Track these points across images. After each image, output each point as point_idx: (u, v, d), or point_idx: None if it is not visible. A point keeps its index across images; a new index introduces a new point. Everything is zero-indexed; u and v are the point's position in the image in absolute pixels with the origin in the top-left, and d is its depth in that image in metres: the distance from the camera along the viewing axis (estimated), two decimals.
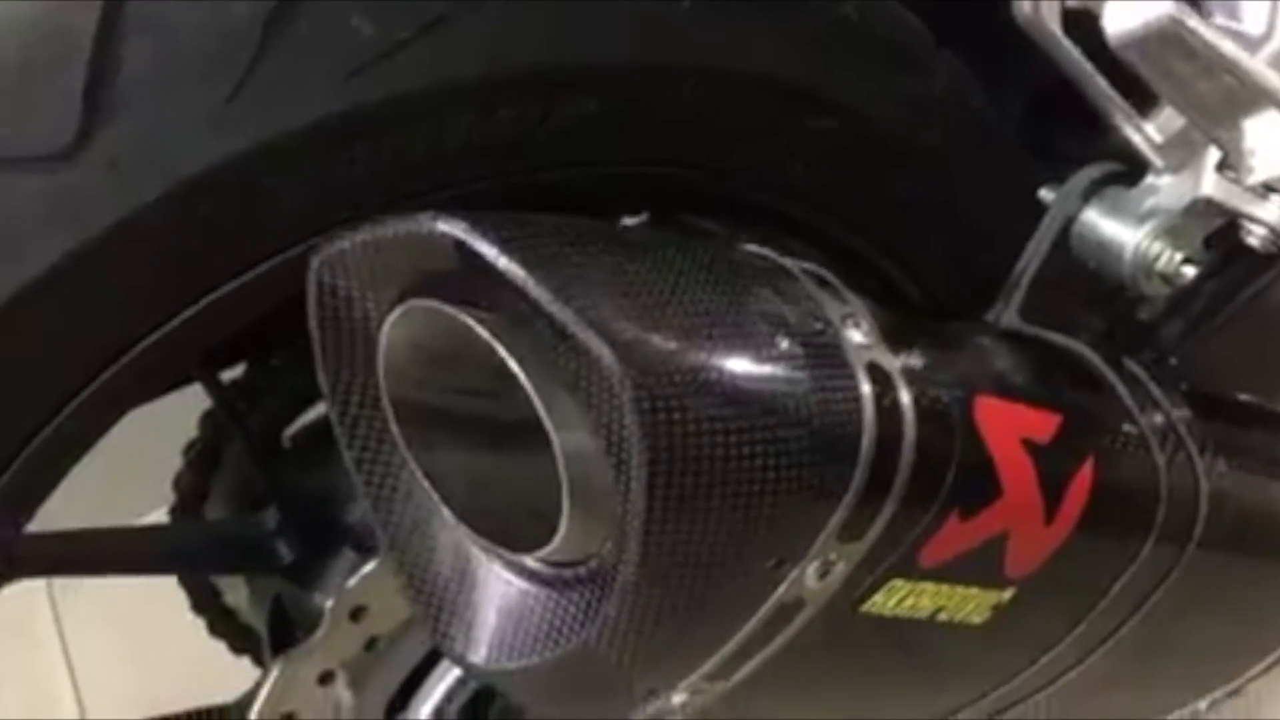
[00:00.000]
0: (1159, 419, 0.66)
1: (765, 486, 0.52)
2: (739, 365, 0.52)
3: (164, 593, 0.95)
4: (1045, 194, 0.72)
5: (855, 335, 0.55)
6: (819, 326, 0.54)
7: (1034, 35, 0.62)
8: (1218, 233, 0.68)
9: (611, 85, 0.71)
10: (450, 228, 0.52)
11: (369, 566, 0.79)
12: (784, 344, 0.53)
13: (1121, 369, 0.67)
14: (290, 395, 0.88)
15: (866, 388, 0.54)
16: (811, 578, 0.55)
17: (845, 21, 0.79)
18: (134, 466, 0.93)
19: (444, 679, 0.85)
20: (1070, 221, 0.69)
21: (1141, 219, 0.67)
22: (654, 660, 0.55)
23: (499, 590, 0.57)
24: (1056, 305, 0.70)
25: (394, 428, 0.58)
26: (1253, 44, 0.68)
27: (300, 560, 0.85)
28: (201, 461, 0.92)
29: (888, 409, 0.54)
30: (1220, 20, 0.70)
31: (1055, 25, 0.62)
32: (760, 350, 0.52)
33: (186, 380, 0.85)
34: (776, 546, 0.53)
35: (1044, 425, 0.59)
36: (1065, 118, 0.75)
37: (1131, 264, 0.67)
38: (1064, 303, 0.70)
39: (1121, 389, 0.66)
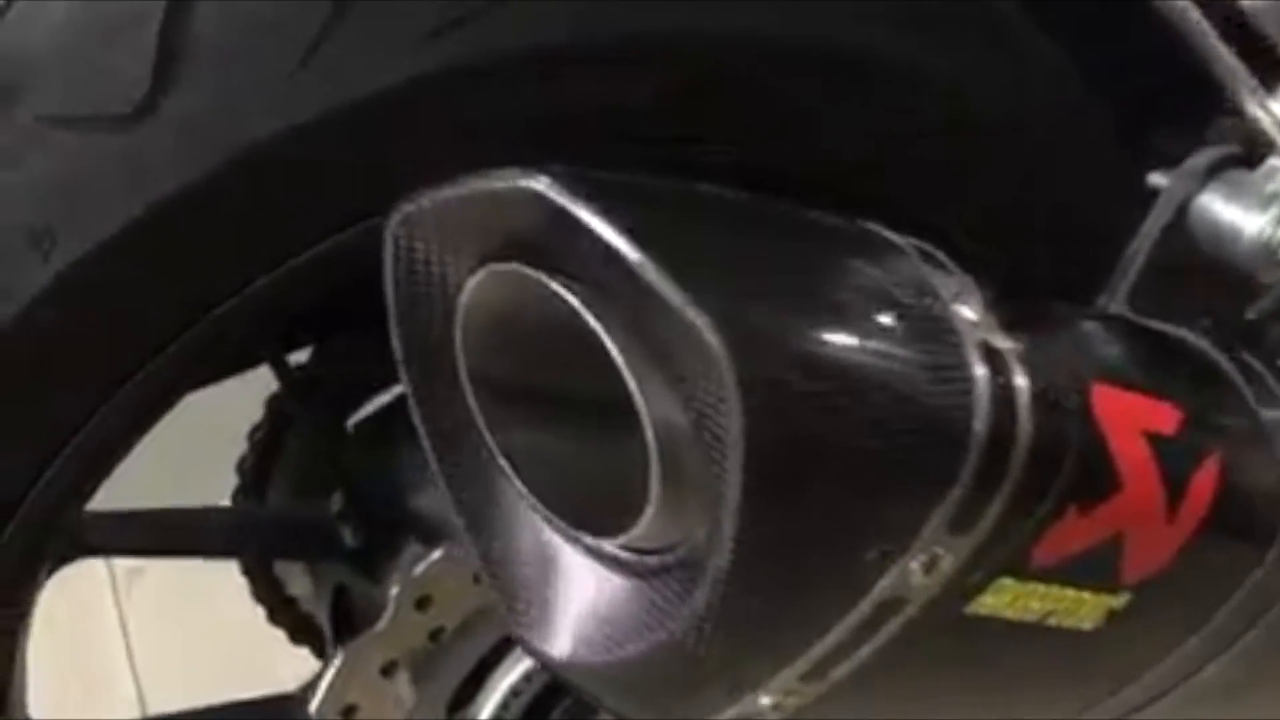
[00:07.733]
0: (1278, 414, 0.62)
1: (869, 470, 0.49)
2: (844, 340, 0.49)
3: (225, 585, 0.94)
4: (1157, 179, 0.69)
5: (966, 312, 0.52)
6: (927, 301, 0.52)
7: (1161, 7, 0.59)
8: None
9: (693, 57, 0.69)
10: (537, 185, 0.49)
11: (436, 555, 0.78)
12: (892, 318, 0.50)
13: (1239, 361, 0.64)
14: (356, 380, 0.87)
15: (980, 369, 0.51)
16: (916, 573, 0.52)
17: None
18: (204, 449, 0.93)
19: (509, 675, 0.82)
20: (1186, 205, 0.66)
21: (1264, 203, 0.64)
22: (745, 657, 0.53)
23: (580, 578, 0.55)
24: (1168, 295, 0.67)
25: (471, 401, 0.56)
26: None
27: (364, 547, 0.85)
28: (265, 446, 0.91)
29: (1002, 392, 0.51)
30: None
31: None
32: (866, 324, 0.50)
33: (252, 362, 0.85)
34: (880, 537, 0.51)
35: (1166, 417, 0.57)
36: (1167, 117, 0.72)
37: (1249, 251, 0.64)
38: (1176, 293, 0.68)
39: (1240, 382, 0.63)
